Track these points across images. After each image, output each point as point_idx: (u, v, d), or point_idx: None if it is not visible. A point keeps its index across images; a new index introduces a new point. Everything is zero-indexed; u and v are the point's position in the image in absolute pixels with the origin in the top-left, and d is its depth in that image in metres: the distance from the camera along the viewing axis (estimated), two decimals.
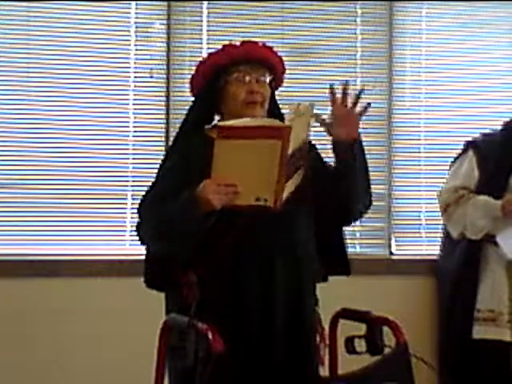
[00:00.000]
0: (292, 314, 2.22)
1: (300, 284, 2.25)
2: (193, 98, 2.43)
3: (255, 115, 2.27)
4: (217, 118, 2.40)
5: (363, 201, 2.36)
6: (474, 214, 3.30)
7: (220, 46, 2.35)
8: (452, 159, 3.54)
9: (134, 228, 2.32)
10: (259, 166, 2.04)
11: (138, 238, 2.30)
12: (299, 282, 2.25)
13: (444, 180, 3.51)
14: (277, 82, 2.41)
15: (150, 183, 2.34)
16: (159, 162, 2.39)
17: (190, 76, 2.41)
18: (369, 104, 2.24)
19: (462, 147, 3.50)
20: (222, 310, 2.18)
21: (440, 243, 3.79)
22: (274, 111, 2.38)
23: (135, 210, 2.33)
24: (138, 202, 2.32)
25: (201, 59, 2.39)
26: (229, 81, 2.29)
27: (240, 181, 2.05)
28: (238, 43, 2.33)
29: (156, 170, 2.37)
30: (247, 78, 2.29)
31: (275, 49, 2.38)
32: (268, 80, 2.33)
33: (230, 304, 2.18)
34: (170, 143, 3.60)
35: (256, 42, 2.35)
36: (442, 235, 3.76)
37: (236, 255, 2.17)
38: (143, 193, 2.33)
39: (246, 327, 2.18)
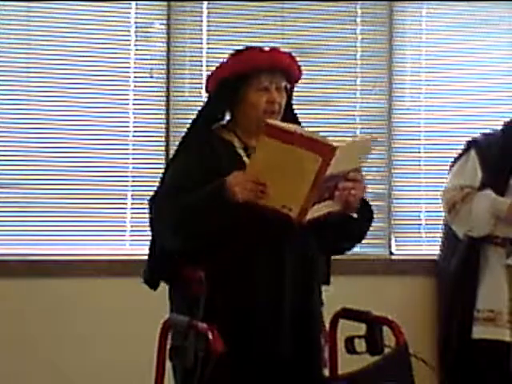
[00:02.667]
0: (300, 312, 2.23)
1: (309, 282, 2.26)
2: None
3: None
4: (227, 116, 2.39)
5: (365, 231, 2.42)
6: (481, 205, 3.30)
7: (237, 50, 2.33)
8: (452, 159, 3.54)
9: (149, 222, 2.27)
10: (294, 174, 2.01)
11: (152, 233, 2.27)
12: (308, 280, 2.26)
13: (445, 180, 3.51)
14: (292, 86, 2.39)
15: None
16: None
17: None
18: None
19: (462, 147, 3.50)
20: (230, 305, 2.18)
21: (440, 243, 3.79)
22: (289, 115, 2.36)
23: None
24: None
25: (222, 60, 2.35)
26: (250, 87, 2.27)
27: (272, 182, 2.03)
28: (262, 49, 2.30)
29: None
30: (269, 87, 2.27)
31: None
32: (286, 87, 2.31)
33: (239, 300, 2.18)
34: (170, 144, 3.67)
35: (279, 50, 2.33)
36: (441, 235, 3.77)
37: (247, 252, 2.17)
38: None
39: (254, 323, 2.18)
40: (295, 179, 2.01)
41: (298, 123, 2.37)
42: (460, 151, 3.51)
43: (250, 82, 2.27)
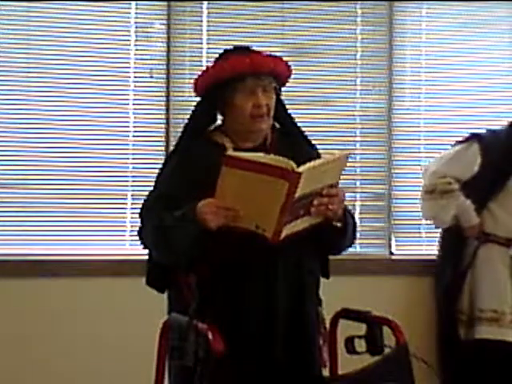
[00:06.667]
0: (293, 315, 2.22)
1: (301, 284, 2.25)
2: (194, 99, 2.41)
3: (262, 128, 2.26)
4: (219, 120, 2.38)
5: (349, 243, 2.37)
6: (451, 210, 3.35)
7: (223, 51, 2.32)
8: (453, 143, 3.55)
9: (137, 232, 2.31)
10: (262, 198, 2.00)
11: (139, 241, 2.30)
12: (301, 282, 2.25)
13: (440, 158, 3.52)
14: (282, 84, 2.37)
15: (149, 183, 2.34)
16: (159, 162, 2.39)
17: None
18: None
19: (466, 135, 3.50)
20: (222, 311, 2.17)
21: (438, 243, 3.79)
22: (282, 114, 2.36)
23: (135, 210, 2.34)
24: (140, 204, 2.31)
25: (207, 65, 2.34)
26: (235, 92, 2.24)
27: (243, 206, 2.03)
28: (245, 54, 2.27)
29: (156, 171, 2.36)
30: (255, 91, 2.23)
31: (276, 49, 2.36)
32: (273, 87, 2.28)
33: (230, 305, 2.18)
34: (170, 144, 3.67)
35: (261, 53, 2.29)
36: (440, 235, 3.76)
37: (238, 257, 2.17)
38: (143, 193, 2.33)
39: (246, 328, 2.18)
40: (265, 203, 2.00)
41: (294, 123, 2.38)
42: (462, 138, 3.51)
43: (236, 87, 2.24)
